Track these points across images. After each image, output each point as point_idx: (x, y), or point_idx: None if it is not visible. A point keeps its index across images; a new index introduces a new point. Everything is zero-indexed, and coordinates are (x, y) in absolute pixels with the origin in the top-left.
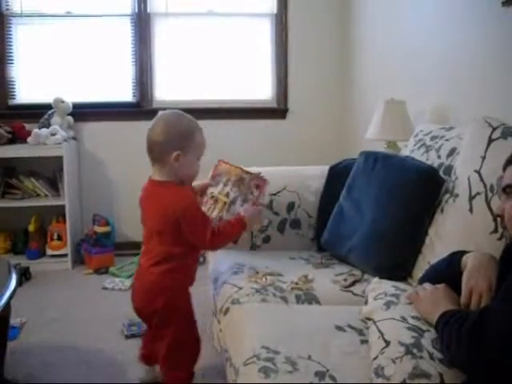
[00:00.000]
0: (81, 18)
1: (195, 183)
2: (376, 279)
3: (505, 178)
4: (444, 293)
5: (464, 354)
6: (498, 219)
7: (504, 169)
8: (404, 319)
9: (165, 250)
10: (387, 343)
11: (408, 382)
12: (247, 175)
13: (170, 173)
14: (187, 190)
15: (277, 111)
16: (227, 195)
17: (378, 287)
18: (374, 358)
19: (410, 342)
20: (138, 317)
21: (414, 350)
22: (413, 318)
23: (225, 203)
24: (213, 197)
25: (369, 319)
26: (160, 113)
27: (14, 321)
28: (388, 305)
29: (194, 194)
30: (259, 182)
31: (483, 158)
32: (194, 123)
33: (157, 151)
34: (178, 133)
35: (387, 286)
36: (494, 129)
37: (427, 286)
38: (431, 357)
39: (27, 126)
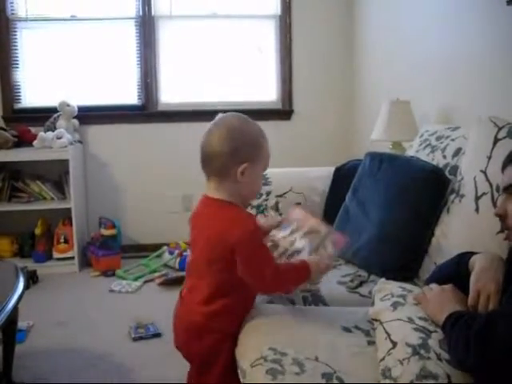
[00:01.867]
0: (86, 21)
1: (263, 220)
2: (382, 280)
3: (506, 178)
4: (451, 294)
5: (471, 357)
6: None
7: (503, 169)
8: (411, 320)
9: (214, 284)
10: (394, 344)
11: (415, 382)
12: (325, 228)
13: (230, 190)
14: (250, 215)
15: (282, 112)
16: (292, 244)
17: (385, 288)
18: (381, 359)
19: (418, 342)
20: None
21: (422, 351)
22: (420, 318)
23: (286, 250)
24: (273, 240)
25: (376, 320)
26: (219, 117)
27: (21, 324)
28: (395, 305)
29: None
30: (338, 238)
31: (489, 157)
32: (261, 130)
33: (219, 163)
34: (247, 141)
35: (394, 286)
36: (500, 128)
37: (434, 286)
38: (439, 358)
39: (33, 130)
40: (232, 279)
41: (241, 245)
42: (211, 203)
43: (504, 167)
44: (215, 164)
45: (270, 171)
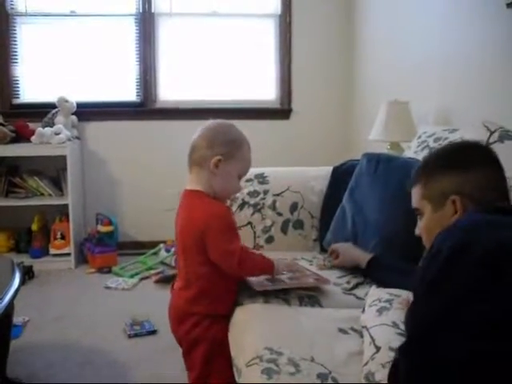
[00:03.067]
0: (85, 17)
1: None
2: (374, 286)
3: (412, 200)
4: None
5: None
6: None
7: (410, 190)
8: (395, 325)
9: (191, 271)
10: (378, 349)
11: None
12: (310, 272)
13: (205, 181)
14: (220, 203)
15: (280, 112)
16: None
17: (374, 293)
18: (365, 364)
19: None
20: None
21: None
22: (404, 323)
23: None
24: None
25: (363, 327)
26: (209, 121)
27: (16, 319)
28: (380, 311)
29: (230, 211)
30: (321, 277)
31: None
32: (243, 136)
33: (198, 154)
34: (225, 139)
35: (382, 292)
36: (492, 133)
37: None
38: None
39: (31, 125)
40: (206, 263)
41: (209, 229)
42: (189, 195)
43: (410, 189)
44: (195, 154)
45: (268, 170)
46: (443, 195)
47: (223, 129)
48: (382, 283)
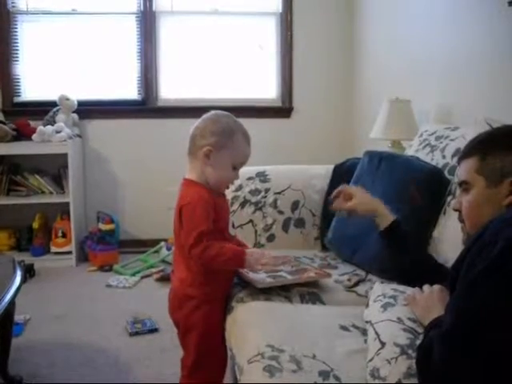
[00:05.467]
0: (86, 15)
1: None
2: (378, 283)
3: (459, 174)
4: (439, 296)
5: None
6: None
7: (458, 164)
8: (400, 320)
9: (182, 254)
10: (383, 344)
11: (403, 381)
12: (310, 267)
13: (199, 171)
14: (205, 190)
15: (282, 110)
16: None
17: (378, 289)
18: (370, 360)
19: (406, 343)
20: None
21: (409, 351)
22: (409, 319)
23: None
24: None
25: (367, 322)
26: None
27: (18, 317)
28: (385, 306)
29: (211, 197)
30: (321, 272)
31: None
32: (237, 125)
33: (192, 143)
34: (215, 129)
35: (386, 287)
36: None
37: (425, 288)
38: None
39: (32, 124)
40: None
41: (185, 209)
42: (183, 183)
43: (458, 164)
44: (190, 144)
45: (269, 168)
46: (502, 174)
47: (215, 118)
48: (398, 248)
